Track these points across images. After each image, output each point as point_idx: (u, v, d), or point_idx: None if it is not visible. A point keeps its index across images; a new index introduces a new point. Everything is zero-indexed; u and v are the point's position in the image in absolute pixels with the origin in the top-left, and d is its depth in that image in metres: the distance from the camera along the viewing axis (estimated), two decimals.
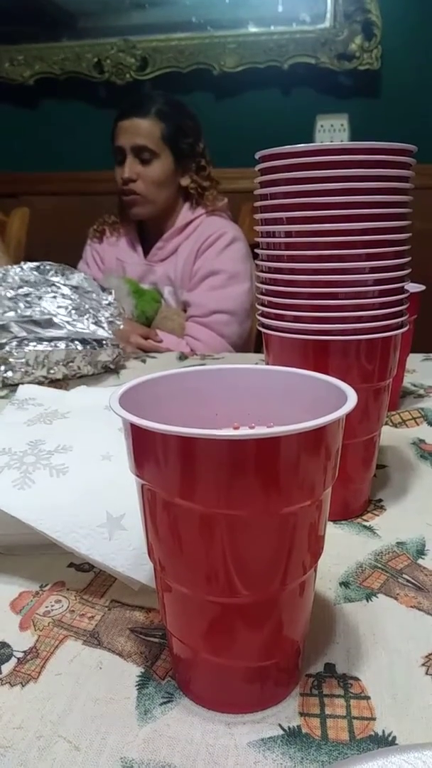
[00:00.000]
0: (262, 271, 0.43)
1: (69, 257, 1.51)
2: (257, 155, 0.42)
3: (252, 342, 1.37)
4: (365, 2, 1.66)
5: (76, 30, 1.89)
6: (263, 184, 0.42)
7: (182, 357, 0.99)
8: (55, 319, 0.80)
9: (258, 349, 1.37)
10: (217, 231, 1.29)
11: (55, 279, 0.85)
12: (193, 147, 1.31)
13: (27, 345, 0.77)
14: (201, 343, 1.23)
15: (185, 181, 1.32)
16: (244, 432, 0.24)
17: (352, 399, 0.27)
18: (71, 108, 1.94)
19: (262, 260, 0.43)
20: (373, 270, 0.40)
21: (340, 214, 0.38)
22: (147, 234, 1.38)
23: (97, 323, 0.83)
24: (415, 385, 0.75)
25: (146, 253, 1.36)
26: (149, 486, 0.26)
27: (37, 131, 1.97)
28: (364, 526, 0.45)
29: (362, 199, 0.38)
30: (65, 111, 1.95)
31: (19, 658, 0.32)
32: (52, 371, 0.79)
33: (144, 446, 0.26)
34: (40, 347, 0.77)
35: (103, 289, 0.91)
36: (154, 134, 1.26)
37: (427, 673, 0.31)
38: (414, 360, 0.86)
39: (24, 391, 0.55)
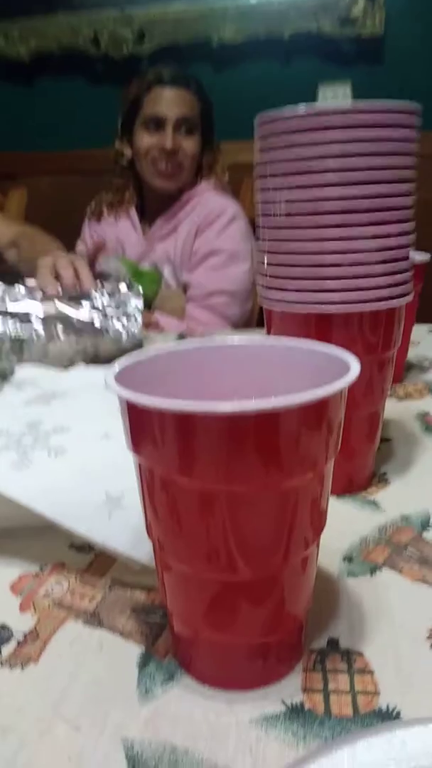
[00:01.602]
0: (262, 241, 0.42)
1: (68, 237, 1.49)
2: (257, 120, 0.40)
3: (254, 322, 1.36)
4: None
5: (71, 2, 1.84)
6: (263, 150, 0.40)
7: (180, 338, 0.98)
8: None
9: (260, 324, 1.36)
10: (216, 209, 1.27)
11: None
12: (213, 126, 1.30)
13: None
14: (202, 325, 1.21)
15: (207, 159, 1.30)
16: (243, 405, 0.23)
17: (354, 369, 0.26)
18: (68, 84, 1.91)
19: (264, 228, 0.42)
20: (376, 237, 0.38)
21: (342, 180, 0.37)
22: (146, 212, 1.35)
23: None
24: (420, 357, 0.74)
25: (145, 231, 1.34)
26: (147, 464, 0.26)
27: (33, 109, 1.94)
28: (368, 500, 0.44)
29: (365, 163, 0.37)
30: (62, 88, 1.91)
31: (19, 640, 0.32)
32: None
33: (141, 423, 0.25)
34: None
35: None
36: (195, 108, 1.25)
37: (431, 647, 0.30)
38: (419, 331, 0.85)
39: (22, 372, 0.55)
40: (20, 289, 0.74)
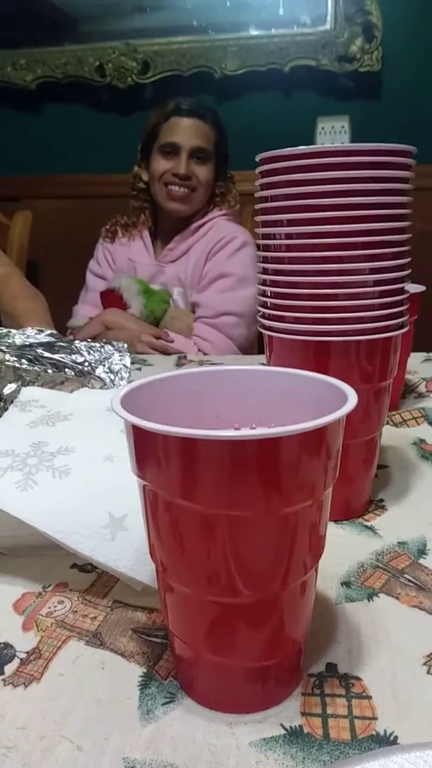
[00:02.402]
0: (263, 273, 0.44)
1: (71, 260, 1.52)
2: (258, 157, 0.42)
3: (256, 347, 1.38)
4: (366, 4, 1.66)
5: (78, 34, 1.89)
6: (264, 187, 0.42)
7: (179, 363, 0.99)
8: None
9: (261, 351, 1.37)
10: (228, 235, 1.31)
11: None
12: (228, 157, 1.36)
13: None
14: (209, 343, 1.24)
15: (220, 188, 1.36)
16: (244, 432, 0.24)
17: (352, 399, 0.27)
18: (73, 112, 1.95)
19: (263, 262, 0.43)
20: (373, 271, 0.40)
21: (341, 216, 0.38)
22: (159, 235, 1.40)
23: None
24: (415, 385, 0.75)
25: (157, 254, 1.38)
26: (151, 487, 0.26)
27: (39, 135, 1.98)
28: (366, 526, 0.45)
29: (362, 201, 0.38)
30: (67, 115, 1.95)
31: (22, 659, 0.32)
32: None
33: (145, 447, 0.26)
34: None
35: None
36: (211, 140, 1.31)
37: (428, 673, 0.31)
38: (415, 360, 0.86)
39: (27, 393, 0.56)
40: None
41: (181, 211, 1.33)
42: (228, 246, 1.30)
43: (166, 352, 1.16)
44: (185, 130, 1.28)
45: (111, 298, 1.31)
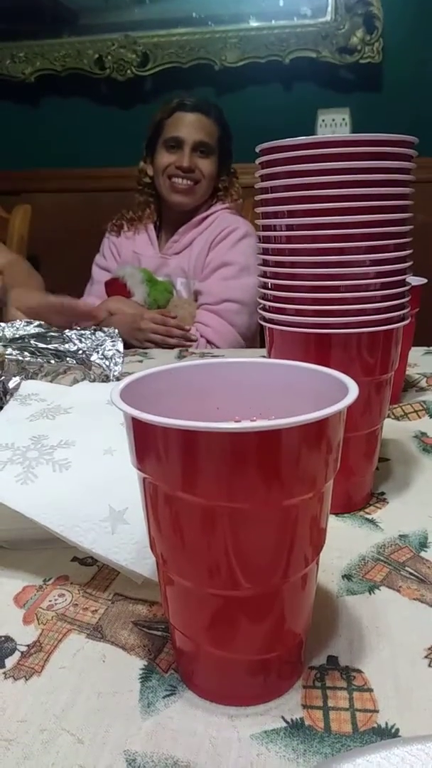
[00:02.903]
0: (263, 265, 0.43)
1: (70, 254, 1.51)
2: (257, 148, 0.41)
3: (258, 339, 1.38)
4: None
5: (77, 26, 1.88)
6: (264, 178, 0.41)
7: (180, 356, 0.99)
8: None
9: (263, 343, 1.37)
10: (230, 225, 1.33)
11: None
12: (231, 153, 1.38)
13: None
14: (211, 329, 1.25)
15: (223, 183, 1.38)
16: (245, 425, 0.24)
17: (353, 391, 0.27)
18: (72, 105, 1.94)
19: (264, 254, 0.43)
20: (374, 263, 0.39)
21: (341, 207, 0.38)
22: (163, 229, 1.42)
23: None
24: (416, 379, 0.75)
25: (161, 246, 1.40)
26: (151, 479, 0.26)
27: (38, 128, 1.97)
28: (367, 519, 0.45)
29: (363, 192, 0.38)
30: (66, 108, 1.94)
31: (22, 652, 0.32)
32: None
33: (145, 440, 0.26)
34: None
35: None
36: (214, 134, 1.33)
37: (430, 665, 0.31)
38: (415, 354, 0.86)
39: (27, 386, 0.55)
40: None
41: (185, 204, 1.34)
42: (230, 236, 1.32)
43: (169, 335, 1.17)
44: (189, 125, 1.30)
45: (115, 287, 1.33)
